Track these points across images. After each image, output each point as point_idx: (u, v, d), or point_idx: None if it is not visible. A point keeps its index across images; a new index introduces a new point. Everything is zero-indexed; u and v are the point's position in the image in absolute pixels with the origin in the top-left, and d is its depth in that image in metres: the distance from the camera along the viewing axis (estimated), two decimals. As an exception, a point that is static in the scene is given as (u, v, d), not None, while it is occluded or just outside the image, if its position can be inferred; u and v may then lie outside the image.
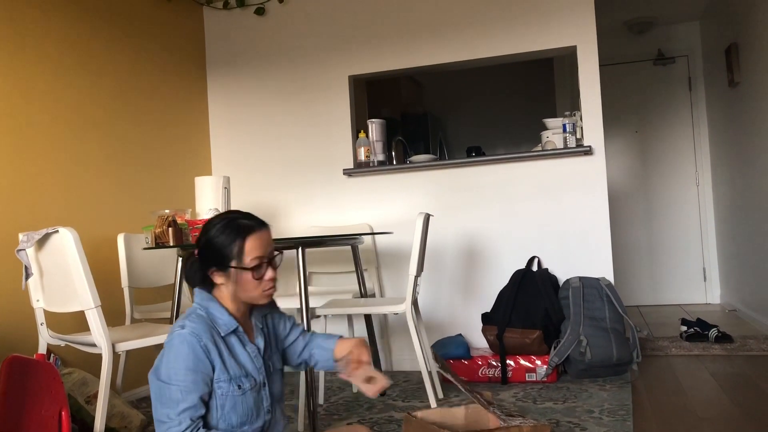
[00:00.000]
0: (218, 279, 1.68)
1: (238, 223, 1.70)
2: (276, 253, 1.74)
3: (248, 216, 1.73)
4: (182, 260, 1.80)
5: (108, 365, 2.18)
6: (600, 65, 3.58)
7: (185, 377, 1.57)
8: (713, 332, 3.92)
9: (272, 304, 1.86)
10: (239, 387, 1.64)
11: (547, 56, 3.83)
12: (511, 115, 6.06)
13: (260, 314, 1.80)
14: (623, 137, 5.87)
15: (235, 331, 1.69)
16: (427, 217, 2.94)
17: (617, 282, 3.58)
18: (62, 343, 2.42)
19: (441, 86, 6.27)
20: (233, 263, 1.66)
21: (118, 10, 3.41)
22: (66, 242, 2.20)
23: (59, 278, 2.30)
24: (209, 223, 1.73)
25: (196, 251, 1.73)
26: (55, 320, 2.58)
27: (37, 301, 2.40)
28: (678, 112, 5.76)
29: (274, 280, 1.71)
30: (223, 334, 1.66)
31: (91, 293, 2.20)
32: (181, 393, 1.57)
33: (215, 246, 1.67)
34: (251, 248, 1.68)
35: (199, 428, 1.58)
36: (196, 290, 1.72)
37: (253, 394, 1.68)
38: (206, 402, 1.61)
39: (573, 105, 3.99)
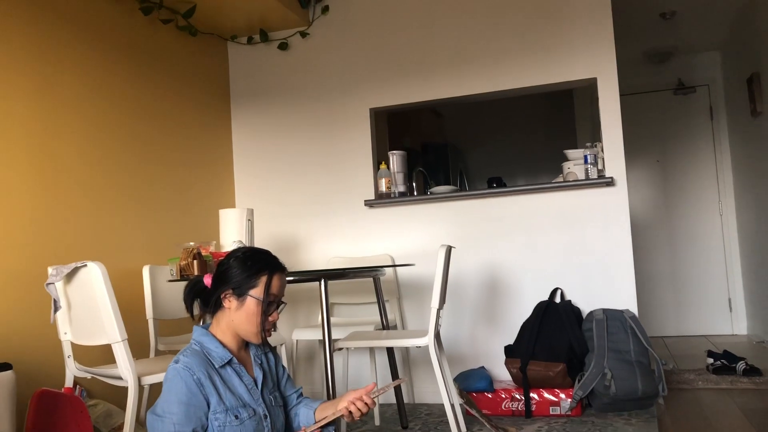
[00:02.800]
0: (228, 303, 1.74)
1: (269, 258, 1.78)
2: (283, 301, 1.80)
3: (275, 257, 1.81)
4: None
5: (134, 399, 2.19)
6: (620, 95, 3.59)
7: (178, 410, 1.61)
8: (741, 365, 3.84)
9: (266, 343, 1.90)
10: (236, 417, 1.67)
11: (567, 88, 3.85)
12: (530, 145, 6.04)
13: (259, 351, 1.85)
14: (644, 167, 5.84)
15: (230, 363, 1.73)
16: (449, 250, 2.94)
17: (641, 312, 3.55)
18: (88, 376, 2.45)
19: (461, 117, 6.29)
20: (252, 292, 1.72)
21: (144, 47, 3.50)
22: (94, 276, 2.24)
23: (87, 311, 2.33)
24: (239, 250, 1.81)
25: (207, 275, 1.79)
26: (81, 352, 2.61)
27: (65, 333, 2.44)
28: (700, 141, 5.74)
29: (272, 324, 1.77)
30: (217, 366, 1.70)
31: (118, 327, 2.22)
32: (174, 426, 1.60)
33: (240, 270, 1.74)
34: (274, 285, 1.74)
35: None
36: (195, 328, 1.77)
37: (252, 423, 1.71)
38: None
39: (594, 136, 4.00)
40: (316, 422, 1.80)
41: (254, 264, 1.75)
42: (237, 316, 1.73)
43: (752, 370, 3.80)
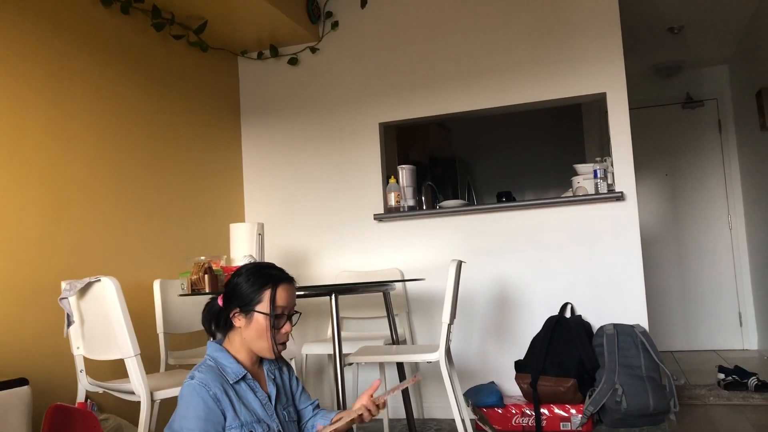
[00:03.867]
0: (238, 322, 1.75)
1: (271, 272, 1.78)
2: (296, 311, 1.80)
3: (279, 269, 1.82)
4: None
5: (146, 414, 2.20)
6: (629, 109, 3.59)
7: (196, 425, 1.62)
8: (752, 381, 3.82)
9: (280, 358, 1.90)
10: None
11: (576, 102, 3.85)
12: (539, 159, 6.06)
13: (273, 366, 1.86)
14: (653, 180, 5.84)
15: (244, 379, 1.74)
16: (460, 264, 2.94)
17: (650, 326, 3.53)
18: (100, 390, 2.45)
19: (469, 131, 6.31)
20: (258, 307, 1.72)
21: (155, 62, 3.53)
22: (108, 291, 2.25)
23: (100, 326, 2.34)
24: (243, 267, 1.82)
25: (220, 296, 1.80)
26: (92, 366, 2.62)
27: (78, 348, 2.45)
28: (708, 155, 5.73)
29: (286, 335, 1.78)
30: (232, 382, 1.71)
31: (131, 342, 2.23)
32: None
33: (244, 288, 1.75)
34: (279, 297, 1.75)
35: None
36: (208, 343, 1.79)
37: None
38: None
39: (603, 150, 4.00)
40: (331, 422, 1.80)
41: (257, 279, 1.76)
42: (248, 334, 1.75)
43: (764, 386, 3.77)
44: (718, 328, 5.60)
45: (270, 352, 1.76)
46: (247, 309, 1.74)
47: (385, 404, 1.79)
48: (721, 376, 3.98)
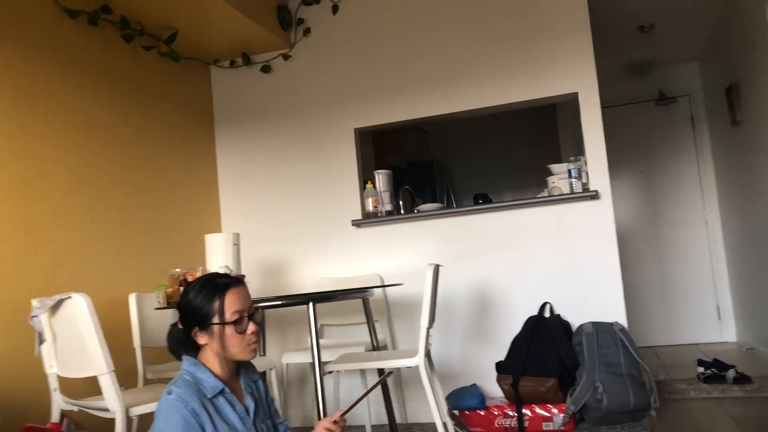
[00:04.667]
0: (202, 339, 1.75)
1: (215, 282, 1.78)
2: (255, 308, 1.80)
3: (224, 275, 1.82)
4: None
5: (122, 431, 2.17)
6: (602, 107, 3.62)
7: None
8: (731, 373, 3.86)
9: (251, 366, 1.89)
10: None
11: (549, 103, 3.87)
12: (515, 160, 6.08)
13: (249, 378, 1.85)
14: (629, 178, 5.89)
15: (222, 393, 1.73)
16: (437, 269, 2.94)
17: (630, 323, 3.55)
18: (75, 408, 2.41)
19: (446, 134, 6.31)
20: (214, 320, 1.72)
21: (126, 74, 3.50)
22: (79, 308, 2.22)
23: (72, 343, 2.31)
24: (187, 287, 1.81)
25: (178, 320, 1.78)
26: (67, 383, 2.58)
27: (51, 366, 2.41)
28: (682, 151, 5.79)
29: (256, 333, 1.77)
30: (209, 396, 1.70)
31: (105, 358, 2.20)
32: None
33: (195, 306, 1.74)
34: (230, 303, 1.75)
35: None
36: (184, 357, 1.77)
37: None
38: None
39: (577, 149, 4.03)
40: None
41: (205, 294, 1.75)
42: (216, 347, 1.74)
43: (742, 378, 3.81)
44: (697, 322, 5.66)
45: (245, 354, 1.76)
46: (205, 325, 1.73)
47: (344, 423, 1.78)
48: (701, 369, 4.02)
